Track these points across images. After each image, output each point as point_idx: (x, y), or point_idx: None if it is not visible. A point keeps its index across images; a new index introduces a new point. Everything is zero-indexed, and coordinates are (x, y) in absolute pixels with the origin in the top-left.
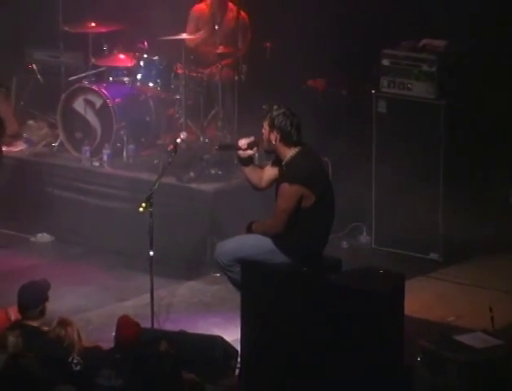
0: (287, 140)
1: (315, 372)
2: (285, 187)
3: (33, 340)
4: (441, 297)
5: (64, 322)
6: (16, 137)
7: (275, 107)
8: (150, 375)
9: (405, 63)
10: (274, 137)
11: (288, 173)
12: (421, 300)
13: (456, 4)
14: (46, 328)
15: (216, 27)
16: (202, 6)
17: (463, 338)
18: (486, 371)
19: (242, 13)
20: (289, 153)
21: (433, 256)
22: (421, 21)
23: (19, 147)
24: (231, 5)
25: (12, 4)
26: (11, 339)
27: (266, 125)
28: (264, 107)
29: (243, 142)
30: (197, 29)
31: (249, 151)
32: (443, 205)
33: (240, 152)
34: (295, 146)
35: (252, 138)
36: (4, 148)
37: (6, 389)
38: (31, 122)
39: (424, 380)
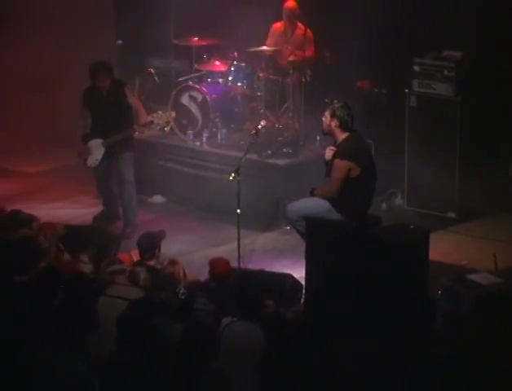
0: (343, 126)
1: (360, 303)
2: (337, 162)
3: (152, 277)
4: (457, 246)
5: (172, 262)
6: (147, 125)
7: (335, 101)
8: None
9: (431, 69)
10: (334, 123)
11: (339, 150)
12: (441, 248)
13: (470, 19)
14: (159, 266)
15: (288, 41)
16: (278, 24)
17: (473, 277)
18: (490, 302)
19: (308, 30)
20: (342, 136)
21: (451, 214)
22: (442, 34)
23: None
24: (299, 24)
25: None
26: (143, 274)
27: (327, 114)
28: (327, 100)
29: (327, 153)
30: (274, 42)
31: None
32: (459, 176)
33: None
34: (347, 131)
35: (328, 148)
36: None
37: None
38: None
39: (443, 309)
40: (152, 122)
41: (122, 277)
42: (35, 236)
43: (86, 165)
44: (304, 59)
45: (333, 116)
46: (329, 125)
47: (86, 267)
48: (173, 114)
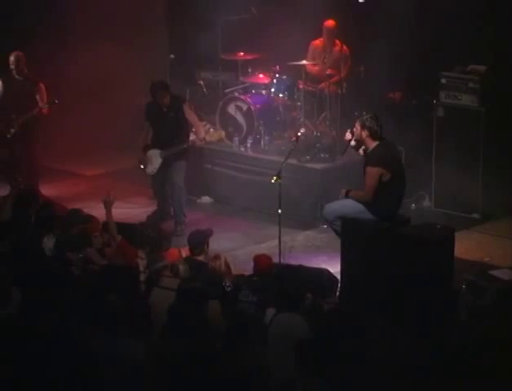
0: (373, 135)
1: (391, 295)
2: (369, 169)
3: (198, 269)
4: (480, 244)
5: (215, 257)
6: (200, 142)
7: (364, 113)
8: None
9: (457, 82)
10: (364, 133)
11: (370, 158)
12: (465, 246)
13: (494, 34)
14: (206, 261)
15: (326, 56)
16: (317, 41)
17: (495, 273)
18: (511, 295)
19: (344, 46)
20: (372, 144)
21: (474, 215)
22: (468, 48)
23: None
24: (337, 41)
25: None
26: (182, 267)
27: (357, 125)
28: (356, 113)
29: (347, 135)
30: (313, 57)
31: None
32: (482, 180)
33: (351, 144)
34: (377, 139)
35: (348, 131)
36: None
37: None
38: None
39: (467, 302)
40: (204, 139)
41: (168, 271)
42: (91, 232)
43: (146, 173)
44: (340, 73)
45: (363, 127)
46: (360, 135)
47: (142, 262)
48: (223, 134)
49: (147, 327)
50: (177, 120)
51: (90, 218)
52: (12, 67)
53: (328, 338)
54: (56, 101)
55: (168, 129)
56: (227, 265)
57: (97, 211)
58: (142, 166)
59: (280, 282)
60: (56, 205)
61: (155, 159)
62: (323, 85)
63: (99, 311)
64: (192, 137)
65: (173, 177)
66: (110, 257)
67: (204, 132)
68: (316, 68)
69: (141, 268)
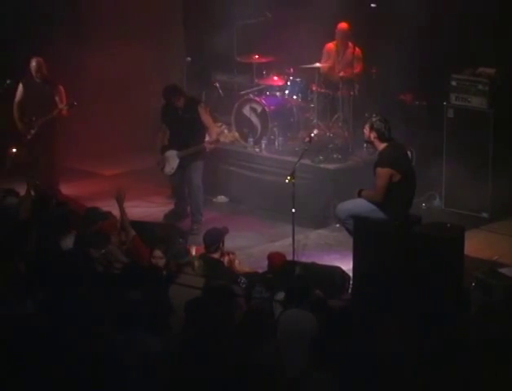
0: (381, 137)
1: (402, 292)
2: (379, 170)
3: (213, 267)
4: (489, 243)
5: (230, 254)
6: (216, 142)
7: (373, 115)
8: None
9: (467, 84)
10: (373, 135)
11: (380, 159)
12: (475, 244)
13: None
14: (220, 259)
15: (339, 59)
16: (331, 44)
17: (504, 270)
18: None
19: (357, 49)
20: (381, 146)
21: (484, 215)
22: (477, 51)
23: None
24: (350, 44)
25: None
26: (197, 263)
27: (367, 126)
28: (366, 115)
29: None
30: (327, 60)
31: None
32: (491, 180)
33: None
34: (386, 141)
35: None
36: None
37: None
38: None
39: (477, 299)
40: (218, 140)
41: (189, 268)
42: (110, 230)
43: (163, 173)
44: (353, 75)
45: (371, 128)
46: (369, 137)
47: (161, 261)
48: (236, 135)
49: (165, 323)
50: (192, 121)
51: (108, 215)
52: (32, 71)
53: (335, 334)
54: (75, 103)
55: (184, 130)
56: (239, 263)
57: (116, 210)
58: (160, 167)
59: (289, 278)
60: (75, 204)
61: (172, 159)
62: (336, 86)
63: (120, 308)
64: (207, 138)
65: (191, 177)
66: (126, 254)
67: (216, 134)
68: (329, 70)
69: (160, 265)
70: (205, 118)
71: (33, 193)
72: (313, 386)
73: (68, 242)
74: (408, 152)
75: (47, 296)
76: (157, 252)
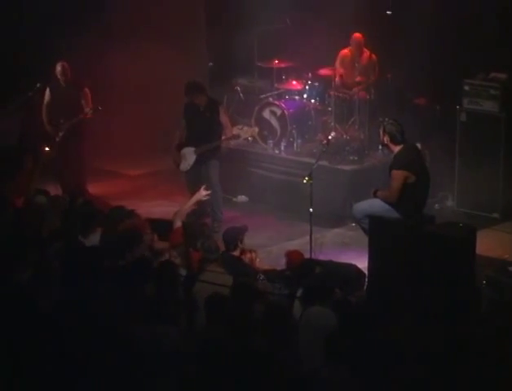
0: (394, 140)
1: (416, 289)
2: (394, 172)
3: (233, 264)
4: (500, 242)
5: (249, 252)
6: (233, 138)
7: (386, 119)
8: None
9: (479, 88)
10: (386, 138)
11: (394, 162)
12: (486, 244)
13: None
14: (241, 256)
15: (355, 64)
16: (346, 50)
17: None
18: None
19: (373, 55)
20: (395, 149)
21: (495, 215)
22: (489, 57)
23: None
24: (365, 49)
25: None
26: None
27: (381, 130)
28: (380, 119)
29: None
30: (343, 65)
31: None
32: (502, 181)
33: None
34: (400, 144)
35: None
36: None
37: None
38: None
39: (488, 296)
40: (238, 136)
41: (213, 265)
42: (141, 229)
43: (180, 169)
44: (369, 80)
45: (384, 132)
46: (383, 140)
47: (176, 260)
48: (256, 130)
49: (188, 318)
50: (212, 120)
51: (132, 214)
52: (58, 75)
53: (353, 330)
54: (100, 107)
55: (203, 127)
56: (255, 259)
57: (140, 209)
58: (176, 163)
59: (309, 276)
60: (101, 202)
61: (189, 156)
62: (352, 91)
63: (142, 301)
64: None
65: (209, 175)
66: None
67: (230, 133)
68: (346, 75)
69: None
70: (224, 119)
71: (61, 193)
72: (329, 382)
73: (94, 239)
74: (423, 154)
75: (73, 290)
76: (173, 253)
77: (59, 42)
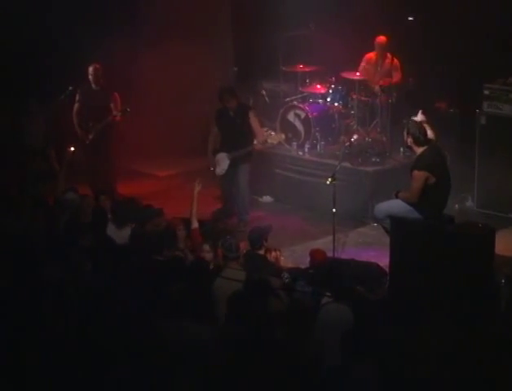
0: (417, 141)
1: (436, 288)
2: (415, 172)
3: (258, 262)
4: None
5: (274, 251)
6: (264, 144)
7: (410, 121)
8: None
9: (499, 93)
10: (409, 140)
11: (416, 163)
12: (504, 243)
13: None
14: (266, 255)
15: (378, 68)
16: (371, 54)
17: None
18: None
19: (395, 60)
20: (418, 150)
21: None
22: (509, 61)
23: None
24: (388, 54)
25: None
26: (242, 259)
27: (404, 132)
28: (404, 121)
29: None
30: (367, 69)
31: None
32: None
33: None
34: (423, 145)
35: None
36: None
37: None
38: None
39: (506, 294)
40: (266, 141)
41: (233, 263)
42: (176, 226)
43: (215, 174)
44: (391, 84)
45: (407, 134)
46: (407, 142)
47: (208, 255)
48: (283, 136)
49: (211, 314)
50: (243, 125)
51: (161, 212)
52: (90, 78)
53: (373, 327)
54: (128, 109)
55: (235, 133)
56: (279, 258)
57: (168, 209)
58: (212, 168)
59: (332, 274)
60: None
61: (223, 161)
62: (375, 94)
63: (169, 298)
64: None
65: (238, 179)
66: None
67: (262, 137)
68: (368, 79)
69: (208, 259)
70: (255, 123)
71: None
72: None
73: (125, 234)
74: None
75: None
76: (206, 247)
77: (91, 43)
